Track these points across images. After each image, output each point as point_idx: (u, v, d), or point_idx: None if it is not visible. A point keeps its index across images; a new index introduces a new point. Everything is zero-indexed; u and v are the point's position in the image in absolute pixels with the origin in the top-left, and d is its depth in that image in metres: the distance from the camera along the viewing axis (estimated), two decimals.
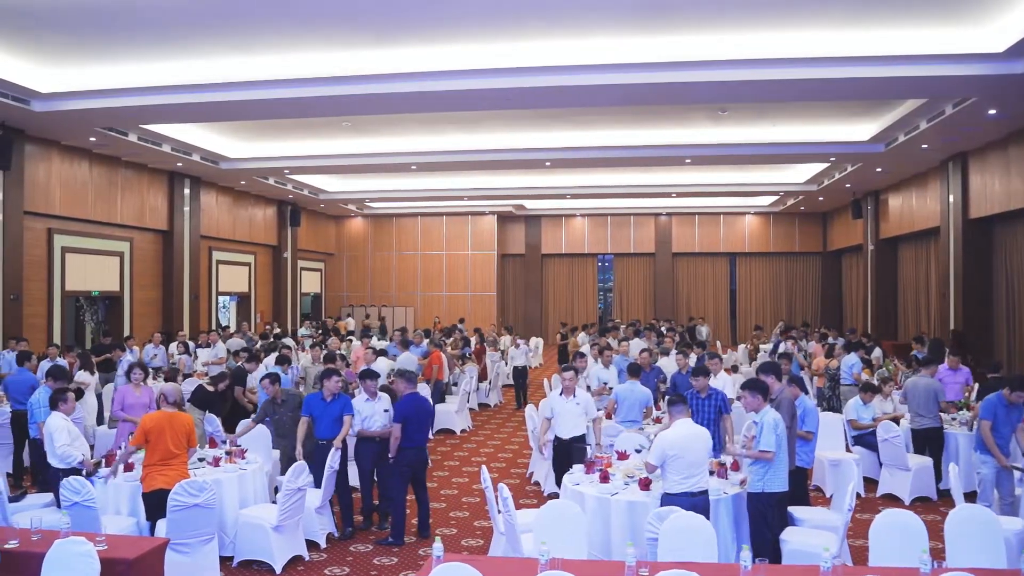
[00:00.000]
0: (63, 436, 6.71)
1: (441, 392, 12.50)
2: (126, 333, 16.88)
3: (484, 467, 6.59)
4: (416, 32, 10.60)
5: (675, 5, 9.66)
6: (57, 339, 15.40)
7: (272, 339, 15.67)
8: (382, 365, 11.02)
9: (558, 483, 7.81)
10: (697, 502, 5.76)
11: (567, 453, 7.80)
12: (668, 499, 5.75)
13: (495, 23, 10.29)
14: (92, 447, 9.67)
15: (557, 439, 7.91)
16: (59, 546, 4.79)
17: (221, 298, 21.78)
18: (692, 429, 6.03)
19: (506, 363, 16.64)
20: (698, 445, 5.87)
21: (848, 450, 9.41)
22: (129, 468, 6.98)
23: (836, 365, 12.39)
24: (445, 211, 27.04)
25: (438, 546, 4.70)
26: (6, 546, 5.02)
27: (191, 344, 14.65)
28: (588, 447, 7.84)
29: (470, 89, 11.85)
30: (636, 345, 13.23)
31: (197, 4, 9.68)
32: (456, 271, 27.47)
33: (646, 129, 16.09)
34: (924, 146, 15.41)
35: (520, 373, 15.19)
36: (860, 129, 15.76)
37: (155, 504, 6.32)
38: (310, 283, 26.85)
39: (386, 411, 7.73)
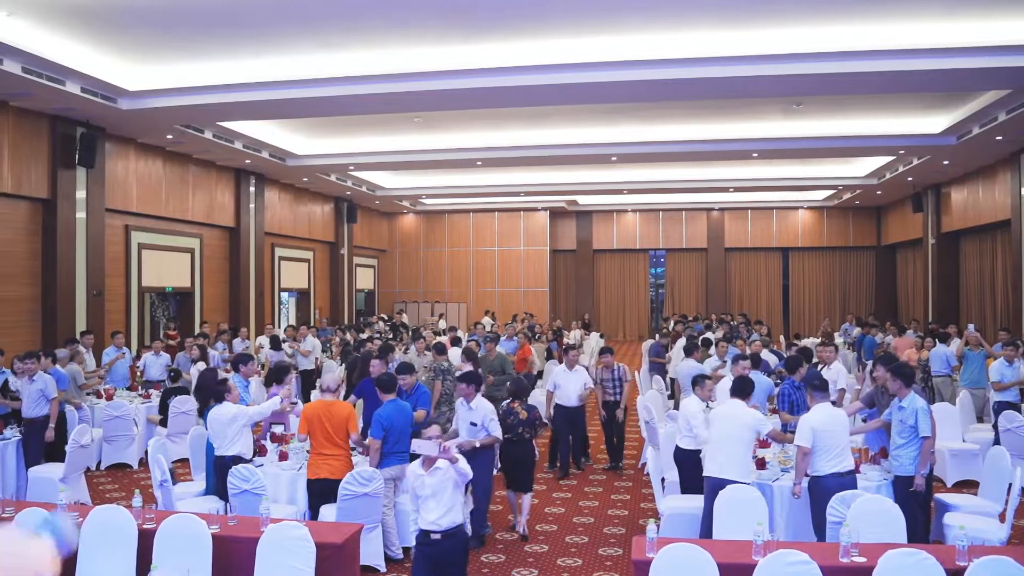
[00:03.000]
0: (244, 417, 6.76)
1: (532, 384, 12.53)
2: (196, 330, 17.05)
3: (649, 449, 6.65)
4: (495, 28, 10.65)
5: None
6: (134, 334, 15.60)
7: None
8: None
9: (560, 457, 9.56)
10: (846, 482, 5.86)
11: (570, 420, 9.45)
12: (817, 482, 5.84)
13: (572, 19, 10.33)
14: None
15: (560, 408, 9.48)
16: (273, 531, 4.88)
17: (281, 294, 21.93)
18: (832, 411, 6.17)
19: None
20: (838, 425, 6.00)
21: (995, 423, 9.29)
22: (284, 457, 7.07)
23: (926, 357, 12.35)
24: (497, 207, 27.12)
25: (652, 528, 4.74)
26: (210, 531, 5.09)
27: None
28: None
29: (545, 85, 11.87)
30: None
31: (281, 2, 9.76)
32: (508, 267, 27.55)
33: (715, 123, 16.04)
34: (999, 138, 15.26)
35: None
36: (932, 122, 15.63)
37: (316, 492, 6.40)
38: (364, 279, 27.01)
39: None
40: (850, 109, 14.98)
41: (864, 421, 7.34)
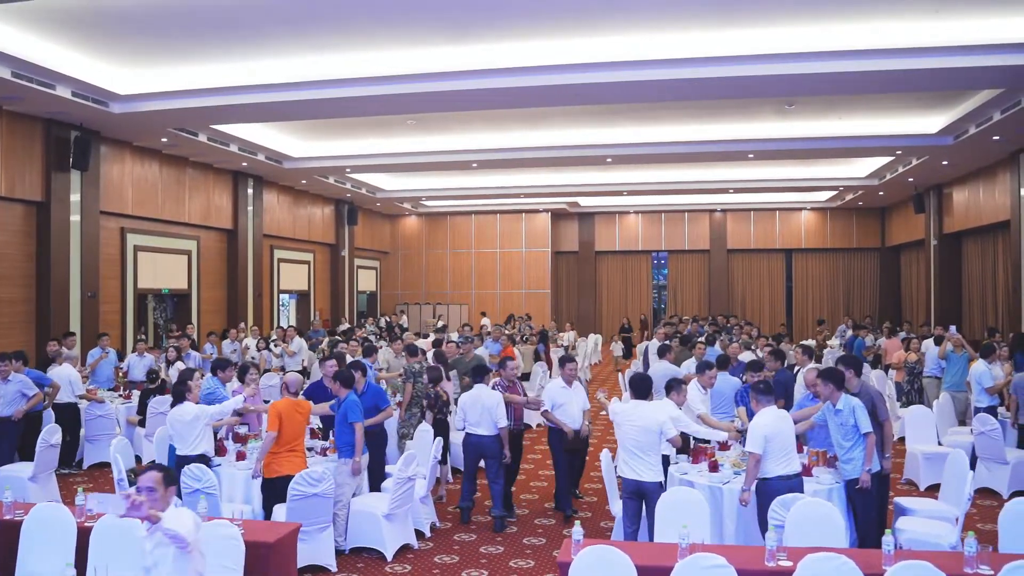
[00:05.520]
0: (206, 416, 6.84)
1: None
2: (194, 331, 17.19)
3: (607, 450, 6.67)
4: (485, 29, 10.68)
5: None
6: (129, 336, 15.74)
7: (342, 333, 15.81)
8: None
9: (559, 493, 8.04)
10: (793, 484, 5.83)
11: (573, 447, 7.93)
12: (765, 484, 5.80)
13: (564, 20, 10.33)
14: None
15: (560, 433, 7.85)
16: (204, 529, 4.91)
17: (281, 296, 22.05)
18: (778, 414, 6.12)
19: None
20: (786, 428, 5.96)
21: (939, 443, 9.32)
22: (241, 457, 7.13)
23: (915, 359, 12.25)
24: (499, 209, 27.16)
25: (578, 530, 4.74)
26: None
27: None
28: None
29: (537, 86, 11.87)
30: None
31: (271, 5, 9.83)
32: (510, 268, 27.59)
33: (709, 124, 15.99)
34: (996, 137, 15.11)
35: None
36: (928, 121, 15.53)
37: (275, 490, 6.43)
38: (365, 281, 27.14)
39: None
40: (845, 109, 14.90)
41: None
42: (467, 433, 7.75)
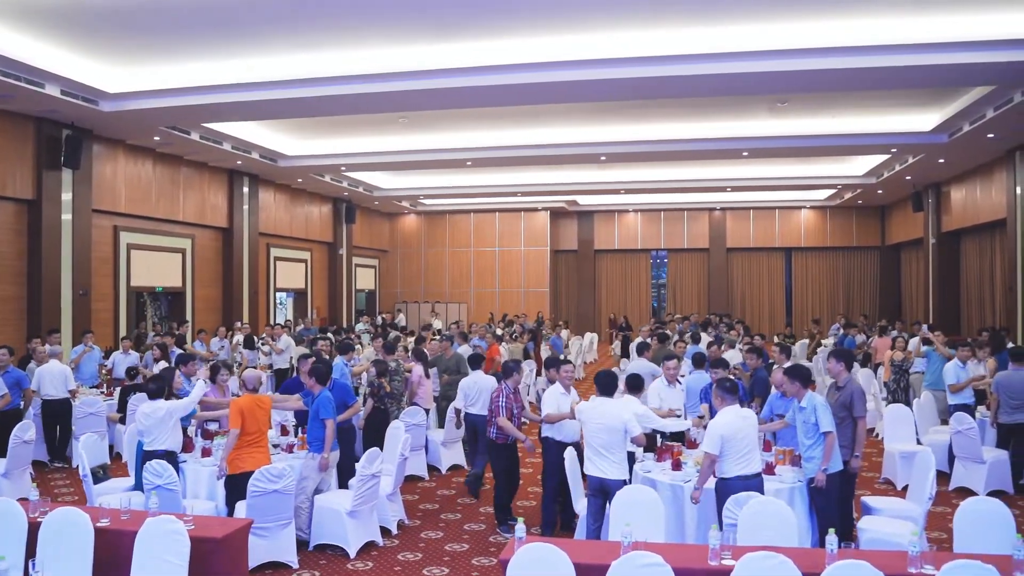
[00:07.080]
0: (179, 410, 6.88)
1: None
2: (188, 329, 17.24)
3: (571, 448, 6.64)
4: (475, 26, 10.70)
5: None
6: (122, 334, 15.79)
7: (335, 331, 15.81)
8: None
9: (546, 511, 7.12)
10: (752, 484, 5.75)
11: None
12: (724, 484, 5.73)
13: (554, 16, 10.34)
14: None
15: (556, 444, 7.03)
16: (151, 524, 4.94)
17: (278, 294, 22.10)
18: (740, 412, 6.02)
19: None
20: (747, 427, 5.87)
21: (919, 443, 9.26)
22: (207, 454, 7.15)
23: (901, 357, 12.16)
24: (498, 207, 27.19)
25: (520, 527, 4.73)
26: (98, 524, 5.17)
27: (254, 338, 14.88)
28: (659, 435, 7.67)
29: (528, 83, 11.92)
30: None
31: (261, 2, 9.86)
32: (509, 267, 27.60)
33: (703, 122, 15.97)
34: (990, 135, 15.04)
35: None
36: (922, 119, 15.46)
37: (239, 486, 6.44)
38: (364, 279, 27.19)
39: None
40: (839, 107, 14.85)
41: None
42: (466, 412, 8.90)
